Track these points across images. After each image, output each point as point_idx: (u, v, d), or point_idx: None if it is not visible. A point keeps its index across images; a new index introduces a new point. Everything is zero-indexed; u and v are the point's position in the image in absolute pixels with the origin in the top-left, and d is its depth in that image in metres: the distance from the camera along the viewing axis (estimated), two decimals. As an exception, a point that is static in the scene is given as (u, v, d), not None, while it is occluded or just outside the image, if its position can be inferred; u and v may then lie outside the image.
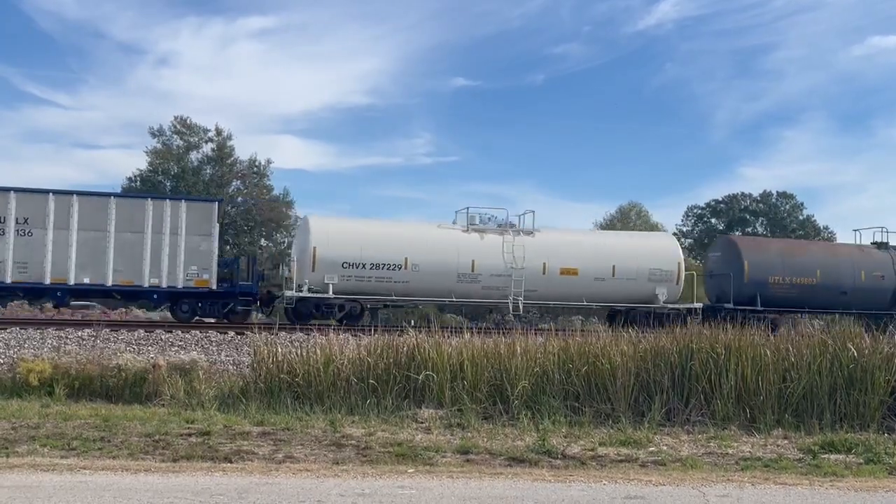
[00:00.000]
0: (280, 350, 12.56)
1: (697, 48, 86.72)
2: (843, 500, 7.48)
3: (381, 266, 22.93)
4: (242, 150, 55.02)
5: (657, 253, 25.41)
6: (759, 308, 25.07)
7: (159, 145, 43.58)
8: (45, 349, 14.76)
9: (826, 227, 56.56)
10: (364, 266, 22.78)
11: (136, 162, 71.95)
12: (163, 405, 11.89)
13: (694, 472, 8.64)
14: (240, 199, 43.49)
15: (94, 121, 76.02)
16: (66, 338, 15.88)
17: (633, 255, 25.01)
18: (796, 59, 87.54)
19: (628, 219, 52.39)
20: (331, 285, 22.47)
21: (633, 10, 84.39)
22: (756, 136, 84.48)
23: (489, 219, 25.11)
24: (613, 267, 24.62)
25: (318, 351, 12.35)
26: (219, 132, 43.83)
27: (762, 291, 25.56)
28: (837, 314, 26.84)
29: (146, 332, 17.15)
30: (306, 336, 15.57)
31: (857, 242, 29.24)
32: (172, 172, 42.44)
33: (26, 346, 15.14)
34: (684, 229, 57.69)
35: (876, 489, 7.90)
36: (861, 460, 9.40)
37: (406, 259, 23.06)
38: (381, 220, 25.84)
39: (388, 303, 24.00)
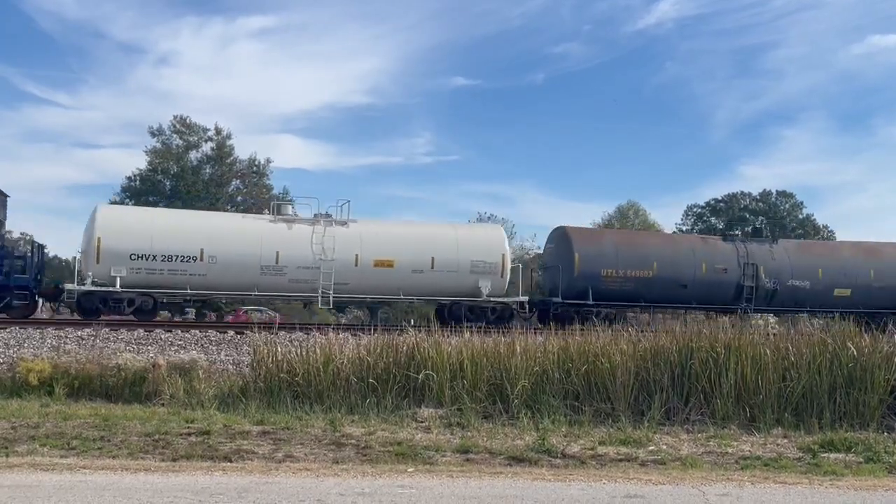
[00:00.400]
0: (280, 349, 12.57)
1: (697, 47, 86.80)
2: (843, 498, 7.48)
3: (175, 258, 21.69)
4: (243, 149, 55.12)
5: (480, 244, 24.17)
6: (591, 302, 23.91)
7: (159, 145, 43.59)
8: (45, 349, 14.76)
9: (826, 227, 56.62)
10: (155, 258, 21.55)
11: (135, 161, 72.00)
12: (162, 405, 11.89)
13: (694, 471, 8.64)
14: (239, 198, 43.50)
15: (94, 120, 76.15)
16: (66, 337, 15.88)
17: (454, 247, 23.76)
18: (796, 59, 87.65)
19: (626, 218, 52.37)
20: (118, 278, 21.13)
21: (633, 9, 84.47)
22: (756, 135, 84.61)
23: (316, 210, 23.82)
24: (432, 259, 23.35)
25: (318, 350, 12.37)
26: (218, 131, 43.87)
27: (594, 285, 24.22)
28: (677, 308, 25.75)
29: (146, 331, 17.14)
30: (306, 335, 15.58)
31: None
32: (172, 172, 42.44)
33: (26, 345, 15.14)
34: (684, 228, 57.67)
35: (875, 488, 7.91)
36: (861, 459, 9.41)
37: (202, 251, 21.86)
38: (178, 210, 24.18)
39: (187, 297, 22.78)
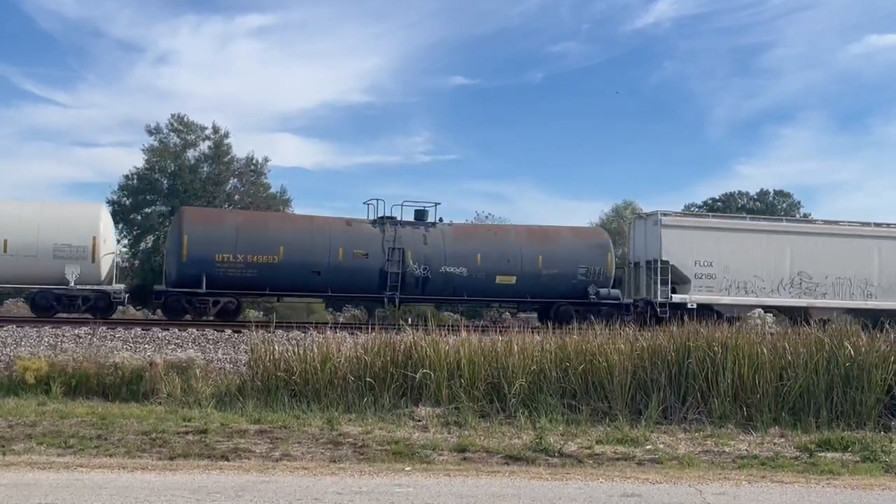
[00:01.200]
0: (277, 348, 12.56)
1: (696, 46, 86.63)
2: (840, 497, 7.49)
3: None
4: (242, 148, 54.96)
5: (67, 226, 21.28)
6: (203, 290, 21.46)
7: (156, 143, 43.52)
8: (42, 347, 14.74)
9: (823, 226, 56.58)
10: None
11: (134, 160, 71.88)
12: (160, 403, 11.89)
13: (691, 470, 8.64)
14: (237, 196, 43.45)
15: (93, 119, 75.76)
16: (63, 336, 15.85)
17: (34, 228, 21.03)
18: (794, 58, 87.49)
19: (623, 218, 52.35)
20: None
21: (632, 8, 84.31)
22: (754, 133, 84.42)
23: None
24: (5, 241, 20.71)
25: (316, 349, 12.36)
26: (216, 130, 43.78)
27: (209, 271, 21.54)
28: (312, 297, 24.01)
29: (143, 330, 17.12)
30: (303, 334, 15.57)
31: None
32: (169, 170, 42.37)
33: (23, 343, 15.11)
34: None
35: (872, 487, 7.92)
36: (857, 458, 9.42)
37: None
38: None
39: None
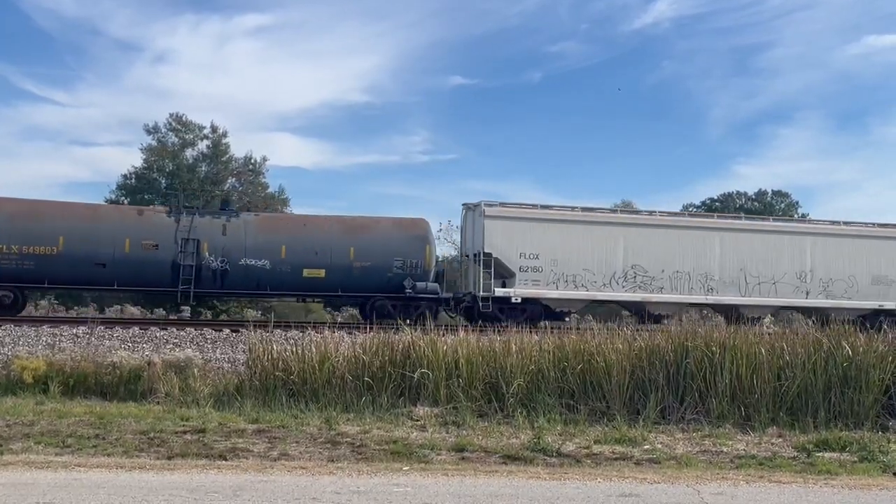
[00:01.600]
0: (275, 348, 12.56)
1: (694, 46, 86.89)
2: (837, 497, 7.50)
3: None
4: (240, 147, 55.10)
5: None
6: None
7: (154, 142, 43.52)
8: (40, 346, 14.73)
9: (821, 226, 56.55)
10: None
11: (132, 159, 71.96)
12: (158, 403, 11.89)
13: (689, 470, 8.65)
14: (234, 196, 43.45)
15: (91, 118, 75.90)
16: (61, 335, 15.85)
17: None
18: (793, 58, 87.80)
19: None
20: None
21: (630, 8, 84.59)
22: (752, 133, 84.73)
23: None
24: None
25: (314, 348, 12.37)
26: (214, 129, 43.79)
27: None
28: (98, 290, 23.10)
29: (141, 329, 17.12)
30: (301, 334, 15.57)
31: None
32: (168, 170, 42.37)
33: (21, 343, 15.11)
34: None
35: (870, 487, 7.93)
36: (855, 458, 9.43)
37: None
38: None
39: None
